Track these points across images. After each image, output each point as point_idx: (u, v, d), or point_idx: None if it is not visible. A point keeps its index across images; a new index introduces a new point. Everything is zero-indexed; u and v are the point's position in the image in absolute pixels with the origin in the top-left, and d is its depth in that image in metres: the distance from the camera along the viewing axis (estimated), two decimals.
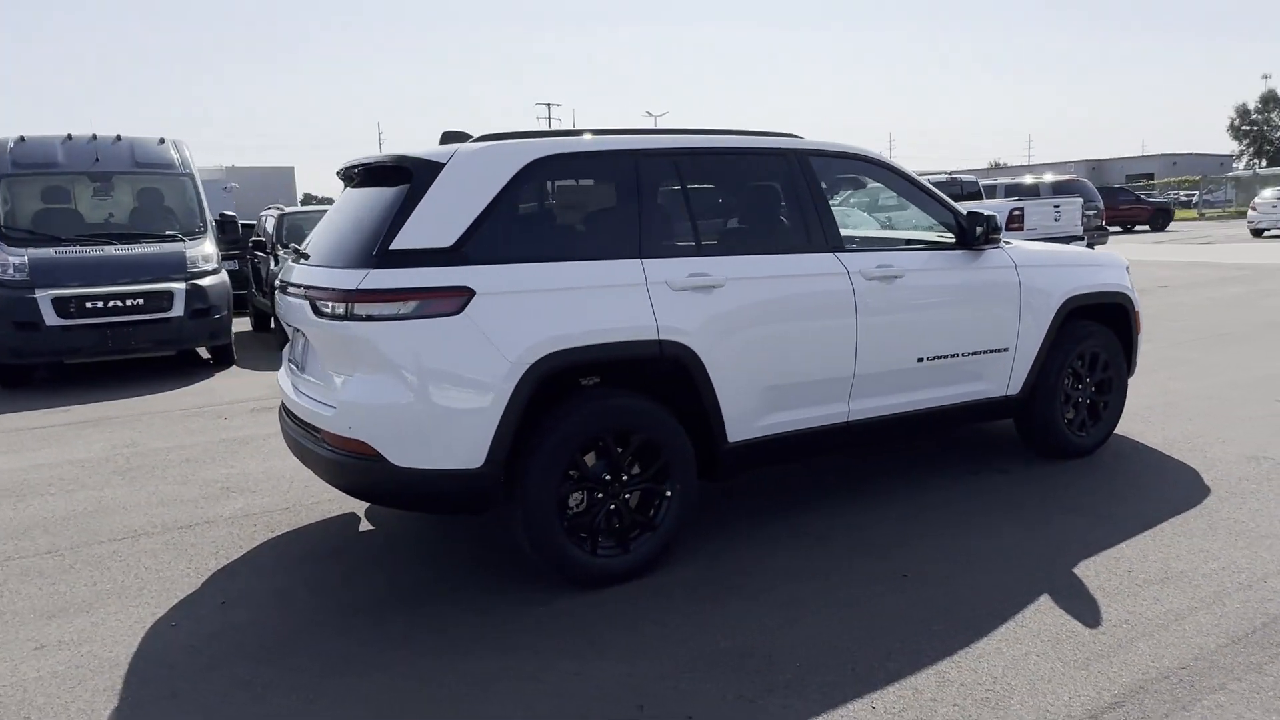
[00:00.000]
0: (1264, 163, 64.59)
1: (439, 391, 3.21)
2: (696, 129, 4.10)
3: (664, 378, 3.63)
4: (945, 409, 4.46)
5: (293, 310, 3.72)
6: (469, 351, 3.23)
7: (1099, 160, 67.99)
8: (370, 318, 3.20)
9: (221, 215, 10.43)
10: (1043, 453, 5.01)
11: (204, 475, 5.34)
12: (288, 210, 12.02)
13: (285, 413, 4.02)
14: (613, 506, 3.50)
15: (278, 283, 4.01)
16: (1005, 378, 4.66)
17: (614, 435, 3.47)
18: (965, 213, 4.56)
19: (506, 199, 3.43)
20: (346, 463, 3.35)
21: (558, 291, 3.40)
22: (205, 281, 9.00)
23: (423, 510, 3.98)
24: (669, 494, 3.59)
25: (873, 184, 5.57)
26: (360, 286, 3.20)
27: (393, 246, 3.25)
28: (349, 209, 3.74)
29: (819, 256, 4.01)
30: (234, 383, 8.57)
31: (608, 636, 3.14)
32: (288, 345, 4.17)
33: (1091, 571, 3.50)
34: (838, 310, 4.01)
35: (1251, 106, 68.70)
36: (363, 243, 3.37)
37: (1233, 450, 5.00)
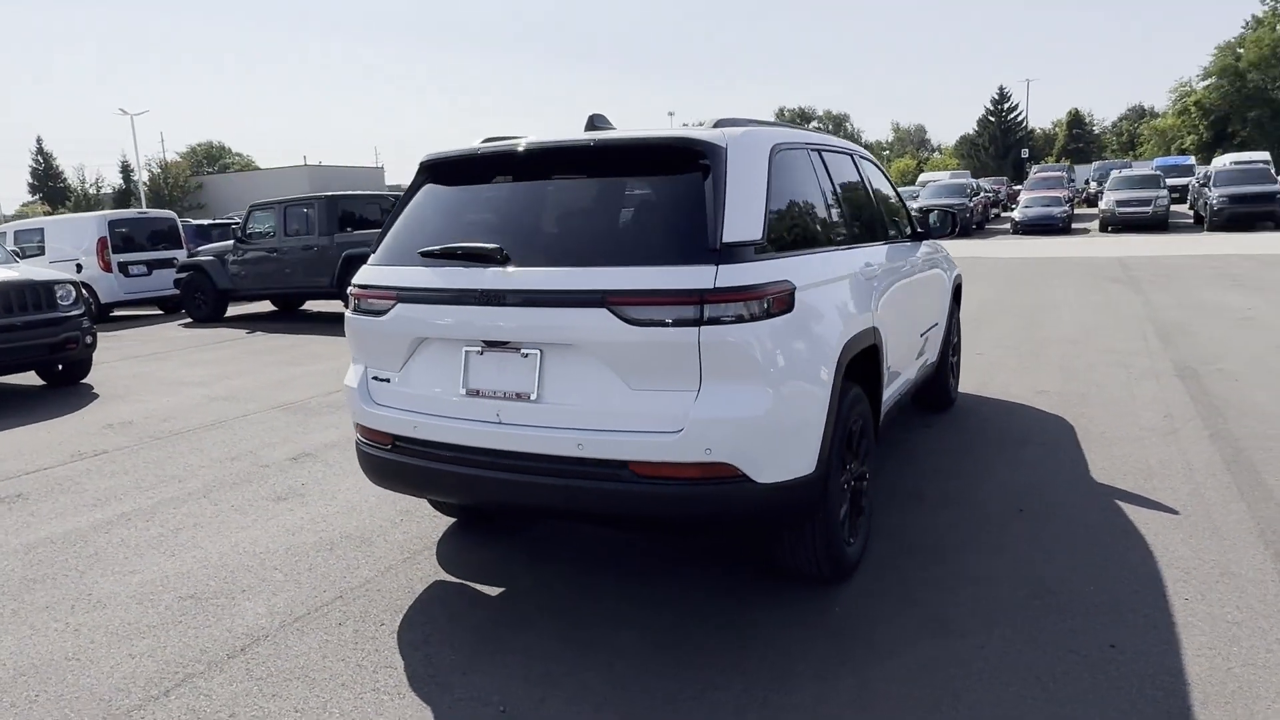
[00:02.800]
0: None
1: (788, 395, 2.96)
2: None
3: (865, 363, 3.76)
4: (915, 381, 5.24)
5: (526, 322, 2.99)
6: (803, 349, 3.05)
7: None
8: (721, 320, 2.80)
9: None
10: (937, 408, 6.12)
11: None
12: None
13: (456, 453, 3.14)
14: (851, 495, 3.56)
15: (454, 289, 3.14)
16: (936, 349, 5.63)
17: (860, 424, 3.54)
18: (924, 208, 5.42)
19: (770, 187, 3.24)
20: (674, 491, 2.86)
21: (835, 282, 3.38)
22: None
23: (759, 530, 3.38)
24: (868, 476, 3.75)
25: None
26: (717, 285, 2.78)
27: (726, 240, 2.88)
28: (574, 197, 3.13)
29: (909, 245, 4.48)
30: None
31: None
32: (413, 372, 3.23)
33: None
34: (924, 292, 4.52)
35: None
36: (674, 236, 2.92)
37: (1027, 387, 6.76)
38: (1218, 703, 2.65)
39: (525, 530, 4.26)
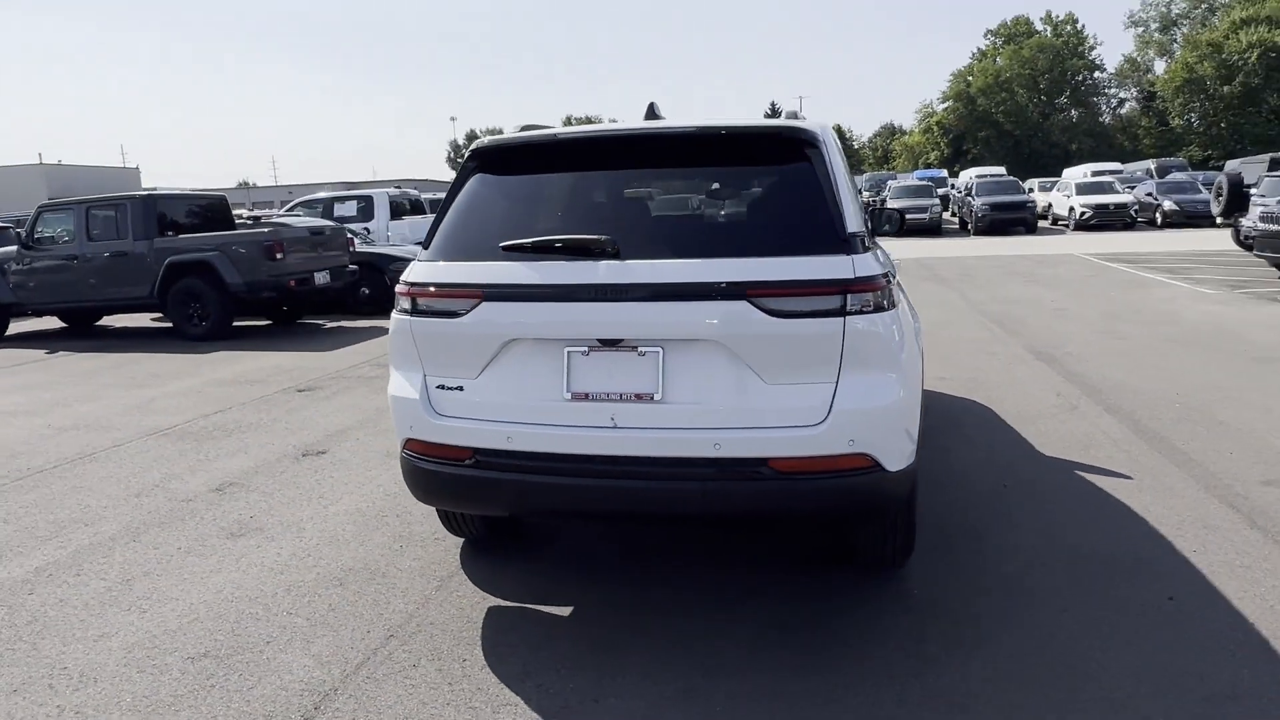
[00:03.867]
0: None
1: (909, 383, 3.00)
2: None
3: None
4: None
5: (648, 318, 2.83)
6: (910, 337, 3.11)
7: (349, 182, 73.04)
8: (862, 310, 2.79)
9: None
10: None
11: None
12: None
13: (560, 464, 2.90)
14: None
15: (561, 285, 2.89)
16: None
17: None
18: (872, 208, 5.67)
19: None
20: (816, 485, 2.82)
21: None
22: None
23: (882, 519, 3.22)
24: None
25: None
26: (856, 275, 2.77)
27: (849, 230, 2.88)
28: (680, 186, 3.03)
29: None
30: None
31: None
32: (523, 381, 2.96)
33: None
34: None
35: (461, 142, 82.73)
36: (805, 226, 2.88)
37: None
38: None
39: (550, 543, 4.01)
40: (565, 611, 3.37)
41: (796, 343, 2.79)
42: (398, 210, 17.09)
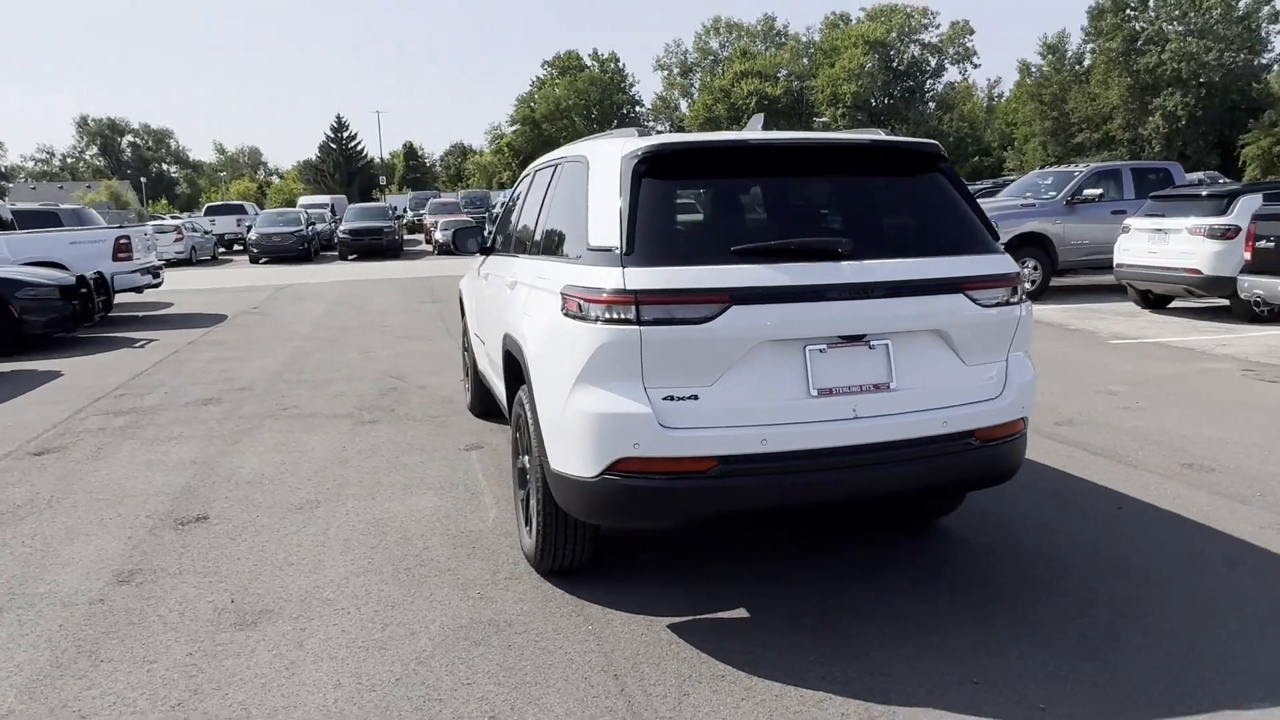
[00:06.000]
0: None
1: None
2: None
3: None
4: None
5: (885, 313, 3.07)
6: None
7: None
8: (1021, 299, 3.37)
9: None
10: None
11: None
12: None
13: (806, 459, 3.01)
14: None
15: (810, 286, 2.99)
16: None
17: None
18: None
19: None
20: (1003, 449, 3.33)
21: None
22: None
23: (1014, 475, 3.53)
24: None
25: None
26: (1017, 270, 3.35)
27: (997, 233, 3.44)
28: (863, 191, 3.36)
29: None
30: None
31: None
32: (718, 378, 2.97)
33: None
34: None
35: None
36: (975, 228, 3.36)
37: None
38: None
39: (636, 552, 3.89)
40: (739, 614, 3.40)
41: (992, 327, 3.28)
42: None
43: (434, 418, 6.62)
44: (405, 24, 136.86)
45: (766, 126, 3.75)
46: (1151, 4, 51.25)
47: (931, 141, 3.53)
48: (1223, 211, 10.36)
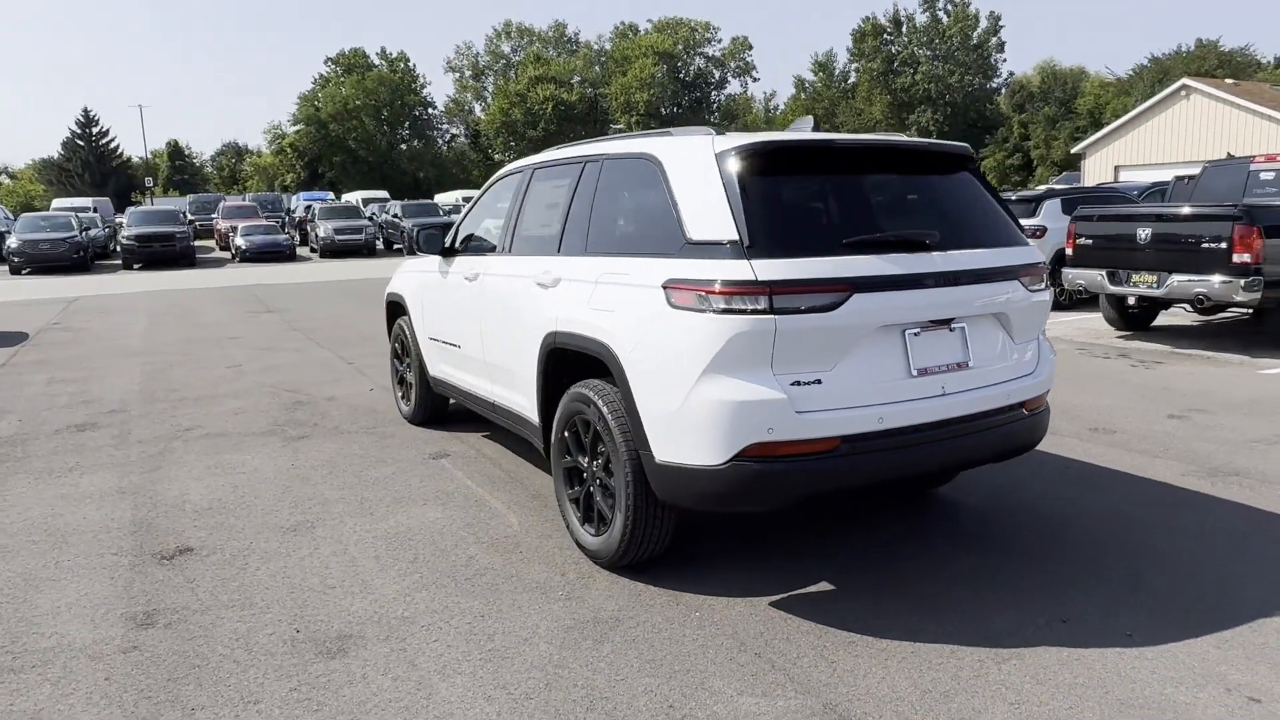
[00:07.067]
0: None
1: None
2: None
3: None
4: None
5: (965, 298, 3.41)
6: None
7: None
8: (1048, 285, 3.83)
9: None
10: None
11: None
12: None
13: (910, 435, 3.28)
14: None
15: (913, 274, 3.26)
16: None
17: None
18: None
19: None
20: (1040, 418, 3.77)
21: None
22: None
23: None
24: None
25: None
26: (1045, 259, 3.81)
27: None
28: (929, 189, 3.70)
29: None
30: None
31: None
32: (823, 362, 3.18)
33: None
34: None
35: None
36: (1009, 221, 3.75)
37: None
38: None
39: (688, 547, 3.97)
40: (821, 588, 3.60)
41: (1034, 310, 3.72)
42: None
43: (369, 429, 6.26)
44: (169, 10, 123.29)
45: (801, 128, 3.99)
46: (904, 30, 57.35)
47: (963, 145, 3.92)
48: (1031, 214, 11.90)
